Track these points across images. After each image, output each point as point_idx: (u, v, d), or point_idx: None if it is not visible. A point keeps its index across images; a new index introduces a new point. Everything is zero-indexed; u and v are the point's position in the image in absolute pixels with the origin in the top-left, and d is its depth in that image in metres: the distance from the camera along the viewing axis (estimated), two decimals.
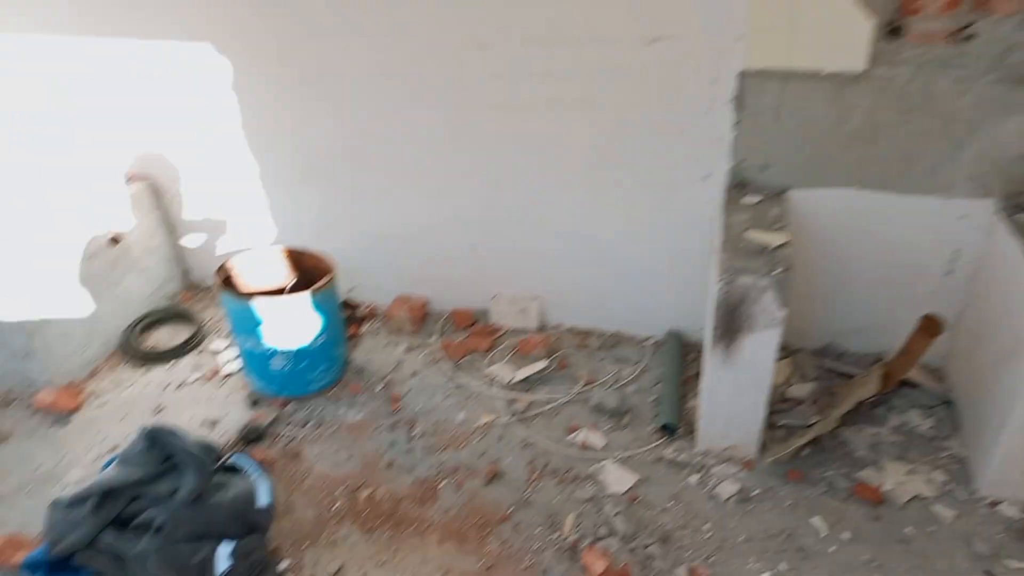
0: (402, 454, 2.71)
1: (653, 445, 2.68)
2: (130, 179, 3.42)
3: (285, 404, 2.96)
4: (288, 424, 2.87)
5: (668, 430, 2.69)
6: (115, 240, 3.03)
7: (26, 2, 3.10)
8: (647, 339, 3.24)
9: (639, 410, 2.85)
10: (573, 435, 2.73)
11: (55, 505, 2.16)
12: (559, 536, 2.33)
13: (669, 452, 2.63)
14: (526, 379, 3.01)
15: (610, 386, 2.97)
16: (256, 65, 3.01)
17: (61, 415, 2.93)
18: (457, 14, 2.66)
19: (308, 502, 2.51)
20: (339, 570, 2.26)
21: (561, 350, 3.21)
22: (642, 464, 2.60)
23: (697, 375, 2.96)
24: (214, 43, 2.98)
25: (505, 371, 3.07)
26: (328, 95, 2.99)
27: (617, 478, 2.50)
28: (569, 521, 2.36)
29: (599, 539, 2.28)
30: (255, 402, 2.99)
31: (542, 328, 3.35)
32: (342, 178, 3.22)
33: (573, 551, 2.27)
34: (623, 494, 2.45)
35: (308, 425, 2.86)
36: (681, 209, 2.86)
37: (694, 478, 2.53)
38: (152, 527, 2.13)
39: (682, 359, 3.02)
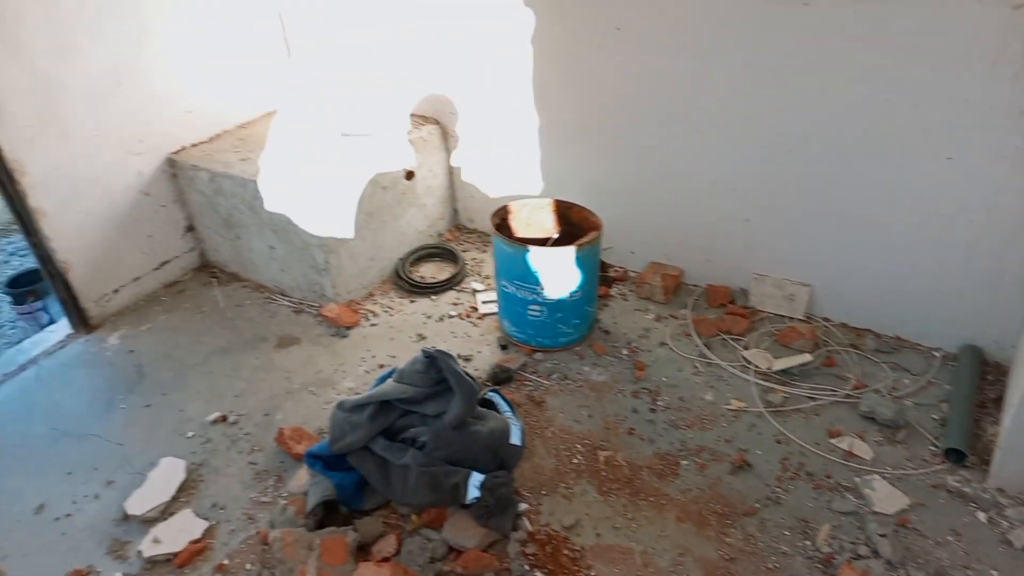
0: (643, 423, 2.69)
1: (933, 469, 2.39)
2: (421, 120, 3.70)
3: (533, 352, 3.06)
4: (534, 372, 2.97)
5: (954, 456, 2.38)
6: (410, 174, 3.29)
7: None
8: (935, 350, 2.88)
9: (919, 427, 2.55)
10: (836, 440, 2.52)
11: (340, 406, 2.44)
12: (811, 545, 2.17)
13: (952, 481, 2.33)
14: (785, 370, 2.82)
15: (885, 394, 2.68)
16: (558, 20, 3.06)
17: (340, 328, 3.30)
18: None
19: (548, 451, 2.59)
20: (575, 524, 2.31)
21: (829, 346, 2.96)
22: (917, 488, 2.33)
23: (996, 400, 2.58)
24: None
25: (762, 358, 2.90)
26: (620, 52, 2.97)
27: (886, 496, 2.26)
28: (824, 531, 2.19)
29: (859, 558, 2.09)
30: (504, 346, 3.13)
31: (808, 319, 3.11)
32: (617, 137, 3.21)
33: (827, 565, 2.10)
34: (892, 515, 2.22)
35: (553, 376, 2.94)
36: (994, 200, 2.47)
37: (982, 515, 2.21)
38: (417, 443, 2.33)
39: (979, 379, 2.64)
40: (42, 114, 2.94)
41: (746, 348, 2.98)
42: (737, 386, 2.82)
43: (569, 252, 2.78)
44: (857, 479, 2.36)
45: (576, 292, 2.90)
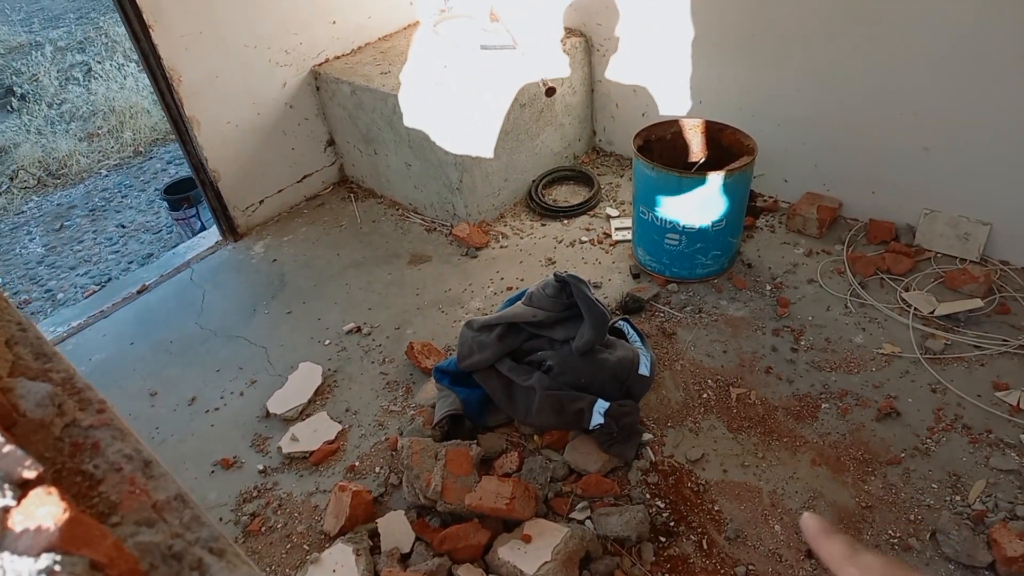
0: (783, 363, 2.67)
1: None
2: (566, 31, 3.70)
3: (667, 283, 3.09)
4: (667, 304, 3.01)
5: None
6: (551, 91, 3.33)
7: None
8: None
9: None
10: (1002, 393, 2.40)
11: (469, 325, 2.59)
12: (960, 500, 2.13)
13: None
14: (950, 316, 2.69)
15: None
16: None
17: (471, 248, 3.45)
18: None
19: (676, 384, 2.65)
20: (700, 458, 2.37)
21: (1004, 292, 2.79)
22: None
23: None
24: None
25: (924, 301, 2.78)
26: None
27: None
28: (977, 488, 2.13)
29: (1015, 518, 2.03)
30: (637, 275, 3.17)
31: (983, 261, 2.93)
32: (781, 52, 3.07)
33: (978, 522, 2.05)
34: None
35: (687, 309, 2.96)
36: None
37: None
38: (543, 366, 2.45)
39: None
40: (199, 23, 3.20)
41: (906, 290, 2.86)
42: (892, 330, 2.73)
43: (717, 178, 2.75)
44: (1023, 436, 2.26)
45: (719, 222, 2.87)
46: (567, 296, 2.43)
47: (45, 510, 0.41)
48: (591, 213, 3.60)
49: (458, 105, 3.23)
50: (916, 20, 2.66)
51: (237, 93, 3.46)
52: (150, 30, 3.03)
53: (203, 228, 4.13)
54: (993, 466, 2.20)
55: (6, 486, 0.41)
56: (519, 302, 2.60)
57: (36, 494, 0.42)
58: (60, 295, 4.17)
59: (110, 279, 4.20)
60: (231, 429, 2.72)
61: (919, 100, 2.81)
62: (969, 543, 1.97)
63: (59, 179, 5.39)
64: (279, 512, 2.38)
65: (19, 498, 0.41)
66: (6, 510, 0.40)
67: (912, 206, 3.04)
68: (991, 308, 2.71)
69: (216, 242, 3.72)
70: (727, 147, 3.02)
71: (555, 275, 2.46)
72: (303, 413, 2.73)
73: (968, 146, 2.78)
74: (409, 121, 3.38)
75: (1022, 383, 2.44)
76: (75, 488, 0.52)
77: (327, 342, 3.05)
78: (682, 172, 2.79)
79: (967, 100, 2.69)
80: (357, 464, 2.51)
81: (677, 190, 2.81)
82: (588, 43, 3.71)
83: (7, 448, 0.46)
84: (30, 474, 0.43)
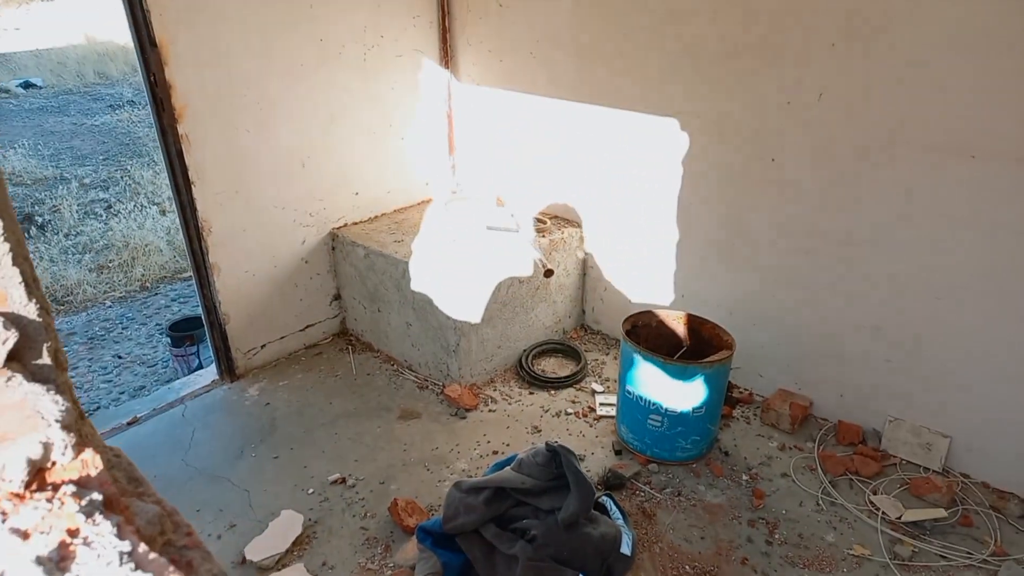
0: (758, 555, 2.63)
1: None
2: (564, 221, 3.94)
3: (648, 462, 3.09)
4: (647, 483, 2.99)
5: None
6: (549, 272, 3.50)
7: (535, 72, 3.81)
8: None
9: None
10: None
11: (457, 487, 2.56)
12: None
13: None
14: (916, 523, 2.70)
15: None
16: (713, 145, 3.24)
17: (460, 409, 3.46)
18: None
19: (655, 567, 2.58)
20: None
21: (966, 504, 2.82)
22: None
23: None
24: (680, 120, 3.30)
25: (891, 506, 2.80)
26: (773, 182, 3.10)
27: None
28: None
29: None
30: (619, 452, 3.18)
31: (945, 472, 2.98)
32: (760, 260, 3.29)
33: None
34: None
35: (666, 491, 2.95)
36: None
37: None
38: (527, 535, 2.40)
39: None
40: (235, 183, 3.39)
41: (875, 492, 2.89)
42: (862, 531, 2.72)
43: (698, 368, 2.85)
44: None
45: (699, 408, 2.94)
46: (556, 466, 2.43)
47: None
48: (577, 386, 3.65)
49: (463, 276, 3.37)
50: (883, 243, 2.89)
51: (259, 246, 3.59)
52: (192, 185, 3.20)
53: (200, 366, 4.11)
54: None
55: None
56: (508, 467, 2.58)
57: None
58: None
59: (99, 407, 4.10)
60: None
61: (882, 314, 2.99)
62: None
63: (63, 305, 5.39)
64: None
65: None
66: None
67: (878, 411, 3.14)
68: (955, 519, 2.73)
69: (212, 381, 3.69)
70: (707, 339, 3.15)
71: (546, 444, 2.47)
72: (279, 563, 2.60)
73: (928, 361, 2.92)
74: (416, 285, 3.50)
75: None
76: None
77: (311, 491, 2.96)
78: (667, 358, 2.89)
79: (926, 317, 2.87)
80: None
81: (661, 374, 2.89)
82: (582, 234, 3.94)
83: (152, 555, 0.50)
84: None
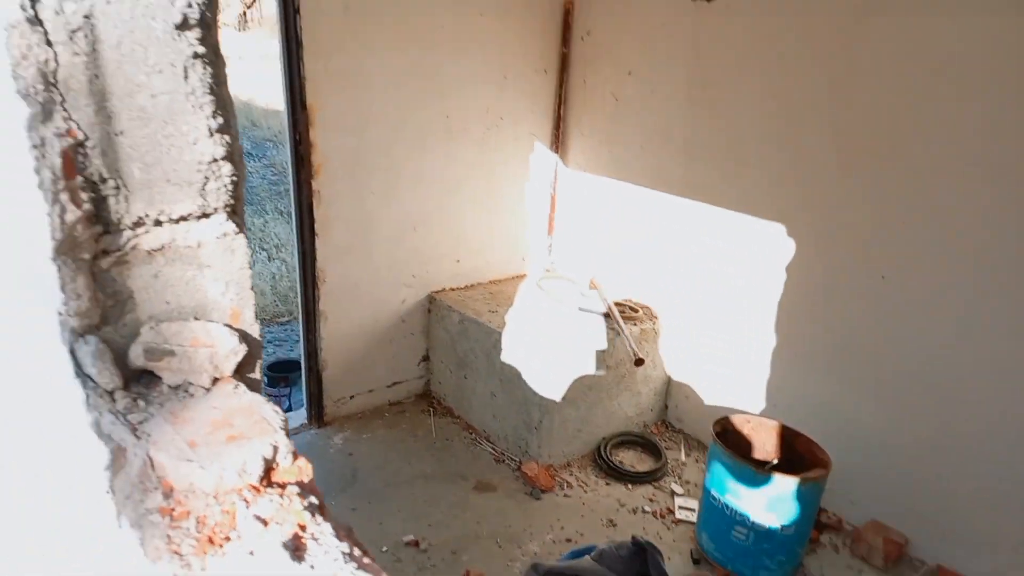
0: None
1: None
2: (649, 311, 3.94)
3: None
4: None
5: None
6: (639, 361, 3.49)
7: (637, 163, 3.91)
8: None
9: None
10: None
11: (535, 569, 2.49)
12: None
13: None
14: None
15: None
16: (821, 256, 3.20)
17: (535, 489, 3.41)
18: None
19: None
20: None
21: None
22: None
23: None
24: (787, 226, 3.29)
25: None
26: (882, 298, 3.02)
27: None
28: None
29: None
30: (697, 560, 3.05)
31: None
32: (865, 376, 3.16)
33: None
34: None
35: None
36: None
37: None
38: None
39: None
40: (354, 238, 3.57)
41: None
42: None
43: (792, 482, 2.74)
44: None
45: (788, 527, 2.80)
46: (640, 563, 2.35)
47: None
48: (656, 484, 3.56)
49: (553, 354, 3.39)
50: (1005, 367, 2.74)
51: (365, 300, 3.73)
52: (316, 236, 3.39)
53: (290, 408, 4.23)
54: None
55: None
56: (587, 556, 2.51)
57: None
58: None
59: None
60: None
61: (998, 444, 2.79)
62: None
63: None
64: None
65: None
66: None
67: (989, 560, 2.90)
68: None
69: (301, 424, 3.78)
70: (800, 453, 3.02)
71: (633, 538, 2.40)
72: None
73: None
74: (506, 357, 3.53)
75: None
76: None
77: (384, 548, 2.95)
78: (759, 467, 2.79)
79: None
80: None
81: (751, 484, 2.79)
82: (668, 327, 3.92)
83: (366, 560, 0.55)
84: None
